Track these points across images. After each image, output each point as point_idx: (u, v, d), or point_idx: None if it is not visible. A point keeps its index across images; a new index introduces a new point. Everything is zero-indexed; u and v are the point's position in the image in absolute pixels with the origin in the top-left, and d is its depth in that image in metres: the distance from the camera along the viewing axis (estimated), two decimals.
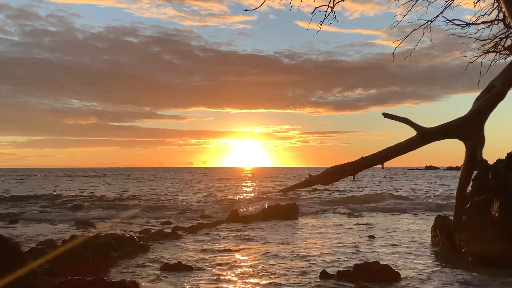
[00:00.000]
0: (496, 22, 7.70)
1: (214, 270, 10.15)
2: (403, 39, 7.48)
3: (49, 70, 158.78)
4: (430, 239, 13.10)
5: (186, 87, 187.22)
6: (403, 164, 50.67)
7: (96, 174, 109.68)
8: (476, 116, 4.19)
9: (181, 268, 9.92)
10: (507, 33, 7.76)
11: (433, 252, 11.87)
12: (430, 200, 28.85)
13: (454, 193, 4.85)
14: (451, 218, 11.57)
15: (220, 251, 12.24)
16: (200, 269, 10.05)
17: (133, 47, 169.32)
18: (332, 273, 9.18)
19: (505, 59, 7.96)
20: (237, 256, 11.66)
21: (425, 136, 4.15)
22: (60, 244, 11.28)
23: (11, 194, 37.42)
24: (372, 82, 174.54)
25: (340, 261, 11.12)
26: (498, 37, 8.03)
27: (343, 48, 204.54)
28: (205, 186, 52.93)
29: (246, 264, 10.81)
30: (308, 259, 11.39)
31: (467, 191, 6.35)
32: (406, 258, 11.30)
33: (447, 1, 7.41)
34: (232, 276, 9.67)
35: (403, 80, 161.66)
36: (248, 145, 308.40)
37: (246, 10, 7.87)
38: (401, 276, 9.11)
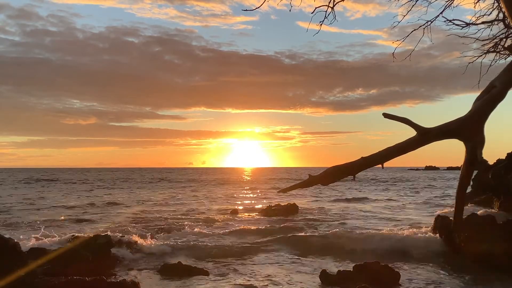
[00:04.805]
0: (496, 22, 7.69)
1: (214, 270, 10.15)
2: (403, 39, 7.47)
3: (49, 70, 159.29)
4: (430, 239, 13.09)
5: (186, 87, 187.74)
6: (403, 164, 50.66)
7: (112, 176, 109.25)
8: (476, 116, 4.18)
9: (181, 268, 9.91)
10: (507, 33, 7.75)
11: (433, 252, 11.85)
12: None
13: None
14: (451, 218, 11.56)
15: (219, 251, 12.23)
16: (200, 269, 10.04)
17: (134, 47, 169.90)
18: (332, 273, 9.18)
19: (505, 59, 7.95)
20: (236, 255, 11.66)
21: (425, 136, 4.14)
22: (60, 244, 11.27)
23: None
24: (373, 82, 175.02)
25: (340, 260, 11.13)
26: (498, 37, 8.02)
27: (344, 48, 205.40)
28: (205, 186, 52.93)
29: (245, 264, 10.81)
30: (308, 258, 11.39)
31: (467, 191, 6.35)
32: (406, 258, 11.30)
33: (447, 1, 7.39)
34: (231, 276, 9.67)
35: (403, 80, 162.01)
36: (248, 145, 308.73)
37: (246, 10, 7.87)
38: (401, 276, 9.10)
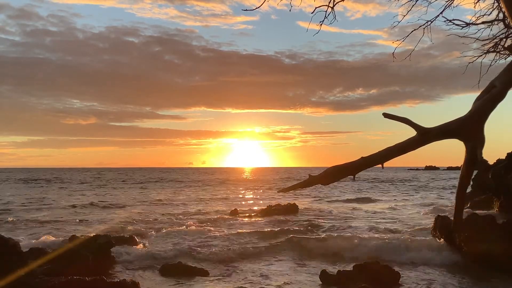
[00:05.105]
0: (496, 22, 7.69)
1: (214, 270, 10.15)
2: (403, 39, 7.46)
3: (49, 70, 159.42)
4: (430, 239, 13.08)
5: (186, 87, 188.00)
6: (403, 164, 50.62)
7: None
8: (476, 116, 4.17)
9: (181, 268, 9.92)
10: (507, 33, 7.75)
11: (433, 252, 11.85)
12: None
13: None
14: (451, 218, 11.56)
15: (219, 251, 12.22)
16: (199, 269, 10.04)
17: (134, 47, 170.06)
18: (332, 273, 9.18)
19: (505, 59, 7.95)
20: (236, 256, 11.65)
21: (425, 136, 4.13)
22: (60, 244, 11.28)
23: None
24: (373, 82, 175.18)
25: (340, 260, 11.13)
26: (498, 37, 8.02)
27: (344, 48, 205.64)
28: (205, 186, 52.94)
29: (245, 264, 10.80)
30: (308, 258, 11.39)
31: (467, 191, 6.34)
32: (406, 258, 11.29)
33: (447, 1, 7.38)
34: (231, 276, 9.67)
35: (403, 80, 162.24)
36: (249, 145, 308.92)
37: (247, 10, 7.87)
38: (401, 276, 9.11)
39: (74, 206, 26.64)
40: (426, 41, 7.68)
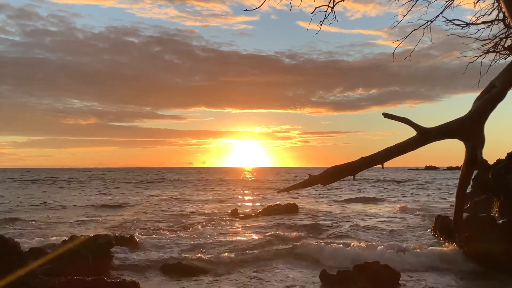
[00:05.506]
0: (496, 22, 7.69)
1: (214, 270, 10.14)
2: (403, 39, 7.45)
3: (49, 70, 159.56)
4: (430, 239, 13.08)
5: (186, 87, 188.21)
6: (403, 164, 50.70)
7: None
8: (476, 116, 4.17)
9: (181, 268, 9.93)
10: (507, 33, 7.75)
11: (432, 252, 11.84)
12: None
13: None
14: (451, 218, 11.57)
15: (219, 250, 12.22)
16: (200, 268, 10.04)
17: (134, 47, 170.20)
18: (332, 273, 9.17)
19: (505, 59, 7.95)
20: (236, 256, 11.64)
21: (425, 136, 4.13)
22: (60, 244, 11.27)
23: None
24: (373, 82, 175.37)
25: (340, 260, 11.12)
26: (498, 37, 8.02)
27: (344, 48, 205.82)
28: (205, 186, 52.94)
29: (244, 263, 10.80)
30: (308, 258, 11.38)
31: (467, 191, 6.35)
32: (405, 258, 11.28)
33: (447, 1, 7.38)
34: (231, 276, 9.67)
35: (403, 80, 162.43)
36: (249, 145, 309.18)
37: (247, 10, 7.86)
38: (401, 276, 9.10)
39: (74, 206, 26.65)
40: (426, 41, 7.68)
